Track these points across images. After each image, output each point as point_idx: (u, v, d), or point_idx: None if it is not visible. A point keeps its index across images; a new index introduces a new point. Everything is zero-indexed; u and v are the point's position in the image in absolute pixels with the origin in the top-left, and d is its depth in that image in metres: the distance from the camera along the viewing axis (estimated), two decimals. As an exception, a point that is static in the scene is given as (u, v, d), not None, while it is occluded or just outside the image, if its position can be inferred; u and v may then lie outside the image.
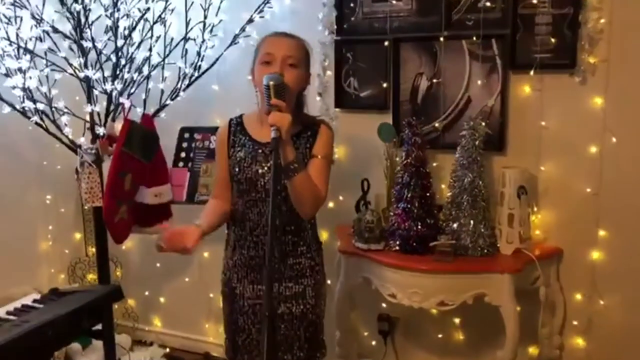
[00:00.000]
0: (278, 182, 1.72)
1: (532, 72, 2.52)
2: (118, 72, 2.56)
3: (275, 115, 1.80)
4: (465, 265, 2.46)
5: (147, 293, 3.63)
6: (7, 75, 2.55)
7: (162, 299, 3.63)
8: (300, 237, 2.08)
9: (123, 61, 2.58)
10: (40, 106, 2.61)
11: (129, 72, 2.74)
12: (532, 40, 2.52)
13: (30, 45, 2.62)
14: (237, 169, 2.03)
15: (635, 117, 2.43)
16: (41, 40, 2.58)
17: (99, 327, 2.15)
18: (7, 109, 2.56)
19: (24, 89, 2.51)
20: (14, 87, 2.57)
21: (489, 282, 2.42)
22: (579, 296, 2.63)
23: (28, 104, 2.56)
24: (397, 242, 2.57)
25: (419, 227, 2.53)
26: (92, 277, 3.54)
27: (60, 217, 3.47)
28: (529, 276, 2.52)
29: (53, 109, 2.62)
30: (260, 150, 2.02)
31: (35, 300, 2.15)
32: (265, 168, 1.99)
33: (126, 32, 2.60)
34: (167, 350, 3.55)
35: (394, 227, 2.59)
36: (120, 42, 2.54)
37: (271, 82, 1.82)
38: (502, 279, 2.40)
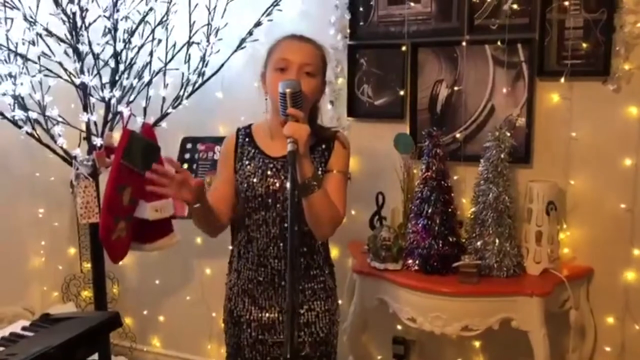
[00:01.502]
0: (295, 201, 1.53)
1: (562, 80, 2.35)
2: (117, 78, 2.38)
3: (293, 126, 1.62)
4: (491, 288, 2.28)
5: (145, 312, 3.43)
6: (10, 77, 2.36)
7: (161, 318, 3.43)
8: (313, 259, 1.90)
9: (122, 67, 2.39)
10: (33, 115, 2.42)
11: (127, 78, 2.57)
12: (562, 46, 2.35)
13: (22, 49, 2.44)
14: (245, 185, 1.84)
15: (673, 128, 2.26)
16: (34, 44, 2.39)
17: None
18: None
19: (14, 96, 2.32)
20: (4, 94, 2.39)
21: (516, 305, 2.25)
22: (611, 320, 2.45)
23: (19, 113, 2.37)
24: (417, 262, 2.39)
25: (441, 245, 2.36)
26: (86, 294, 3.36)
27: (53, 231, 3.28)
28: (558, 298, 2.35)
29: (46, 117, 2.43)
30: (271, 165, 1.83)
31: (24, 328, 1.95)
32: (277, 184, 1.80)
33: (125, 36, 2.41)
34: (166, 371, 3.36)
35: (413, 246, 2.42)
36: (119, 46, 2.35)
37: (288, 90, 1.64)
38: (531, 302, 2.22)
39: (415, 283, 2.32)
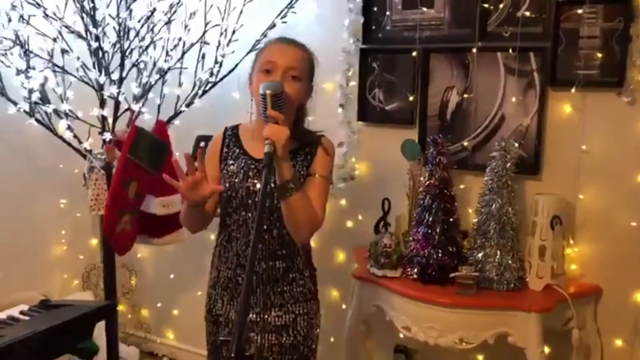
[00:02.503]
0: (265, 202, 1.54)
1: (573, 90, 2.27)
2: (124, 76, 2.45)
3: (272, 128, 1.63)
4: (488, 301, 2.22)
5: (159, 304, 3.51)
6: (21, 72, 2.46)
7: (175, 312, 3.50)
8: (292, 262, 1.88)
9: (131, 63, 2.45)
10: (50, 108, 2.52)
11: (149, 76, 2.64)
12: (576, 55, 2.27)
13: (44, 45, 2.54)
14: (227, 185, 1.85)
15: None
16: (55, 40, 2.48)
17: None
18: (12, 109, 2.47)
19: (30, 90, 2.42)
20: (30, 90, 2.47)
21: (513, 320, 2.18)
22: (619, 342, 2.34)
23: (23, 105, 2.46)
24: (415, 270, 2.36)
25: (440, 254, 2.32)
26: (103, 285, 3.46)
27: (75, 221, 3.39)
28: (561, 316, 2.26)
29: (64, 112, 2.52)
30: (252, 166, 1.84)
31: (22, 312, 2.04)
32: (258, 185, 1.81)
33: (140, 34, 2.48)
34: (178, 364, 3.43)
35: (412, 253, 2.39)
36: (126, 44, 2.42)
37: (268, 91, 1.65)
38: (529, 318, 2.15)
39: (411, 292, 2.28)
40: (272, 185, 1.67)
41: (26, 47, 2.42)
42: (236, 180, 1.84)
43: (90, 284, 3.49)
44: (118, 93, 2.42)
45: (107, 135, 2.48)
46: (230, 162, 1.87)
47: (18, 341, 1.72)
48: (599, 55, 2.24)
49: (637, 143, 2.23)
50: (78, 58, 2.53)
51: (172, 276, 3.43)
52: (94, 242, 3.51)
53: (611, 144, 2.28)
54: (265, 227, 1.79)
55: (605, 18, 2.22)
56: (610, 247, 2.32)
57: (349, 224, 2.82)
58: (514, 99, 2.42)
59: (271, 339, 1.85)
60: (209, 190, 1.71)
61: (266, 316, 1.85)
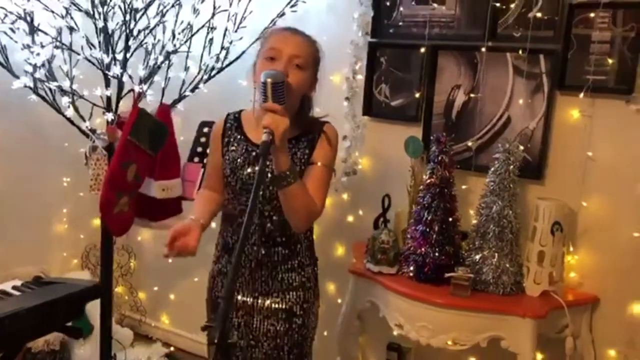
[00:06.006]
0: (259, 189, 1.53)
1: (582, 95, 2.23)
2: (129, 56, 2.43)
3: (270, 117, 1.61)
4: (483, 303, 2.20)
5: (156, 288, 3.51)
6: (26, 47, 2.44)
7: (171, 296, 3.51)
8: (292, 250, 1.88)
9: (135, 44, 2.44)
10: (53, 85, 2.51)
11: (155, 58, 2.62)
12: (586, 60, 2.23)
13: (52, 22, 2.53)
14: (228, 170, 1.85)
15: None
16: (63, 17, 2.47)
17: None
18: (17, 84, 2.46)
19: (34, 65, 2.41)
20: (34, 66, 2.47)
21: (507, 325, 2.16)
22: (612, 352, 2.32)
23: (25, 80, 2.45)
24: (411, 268, 2.34)
25: (437, 254, 2.30)
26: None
27: (78, 201, 3.39)
28: (556, 323, 2.24)
29: (70, 90, 2.50)
30: (253, 153, 1.84)
31: (14, 287, 2.04)
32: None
33: (146, 15, 2.46)
34: (172, 349, 3.43)
35: (409, 251, 2.36)
36: (133, 25, 2.40)
37: (269, 80, 1.64)
38: (523, 324, 2.13)
39: (405, 289, 2.27)
40: (270, 173, 1.67)
41: (31, 22, 2.40)
42: (237, 165, 1.84)
43: (90, 263, 3.49)
44: (122, 74, 2.40)
45: (109, 116, 2.47)
46: (232, 147, 1.88)
47: (6, 316, 1.72)
48: (610, 61, 2.20)
49: (643, 152, 2.19)
50: (85, 37, 2.51)
51: (170, 260, 3.41)
52: (96, 222, 3.50)
53: (618, 152, 2.24)
54: (266, 213, 1.80)
55: (618, 24, 2.18)
56: (611, 257, 2.29)
57: (350, 218, 2.81)
58: (521, 101, 2.38)
59: (267, 325, 1.86)
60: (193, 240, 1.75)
61: (264, 301, 1.86)
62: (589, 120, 2.27)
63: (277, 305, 1.88)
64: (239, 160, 1.84)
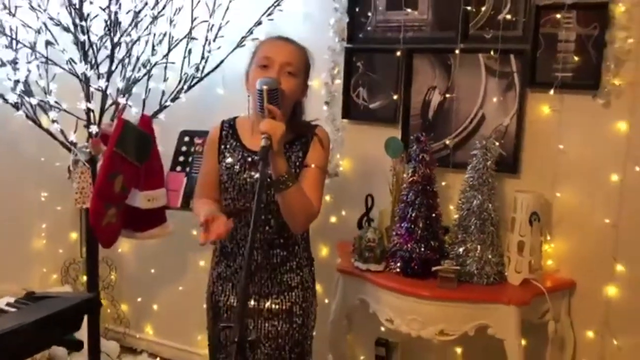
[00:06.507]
0: (262, 194, 1.59)
1: (552, 91, 2.36)
2: (113, 69, 2.45)
3: (268, 123, 1.67)
4: (469, 294, 2.30)
5: (139, 299, 3.51)
6: (2, 65, 2.44)
7: (155, 307, 3.51)
8: (290, 251, 1.94)
9: (119, 57, 2.46)
10: (35, 100, 2.50)
11: (132, 70, 2.64)
12: (554, 58, 2.36)
13: (29, 37, 2.53)
14: (225, 177, 1.90)
15: (661, 145, 2.26)
16: (39, 32, 2.48)
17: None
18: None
19: (16, 81, 2.41)
20: (16, 82, 2.46)
21: (493, 313, 2.26)
22: (590, 334, 2.44)
23: (12, 97, 2.44)
24: (398, 264, 2.42)
25: (422, 249, 2.38)
26: (85, 278, 3.43)
27: (56, 215, 3.37)
28: (538, 309, 2.35)
29: (45, 103, 2.51)
30: (249, 159, 1.89)
31: (8, 304, 2.03)
32: (256, 177, 1.86)
33: (127, 27, 2.49)
34: (158, 359, 3.43)
35: (395, 248, 2.45)
36: (116, 38, 2.42)
37: (265, 87, 1.70)
38: (508, 311, 2.23)
39: (394, 285, 2.35)
40: (269, 178, 1.72)
41: (13, 37, 2.40)
42: (233, 172, 1.89)
43: (69, 278, 3.47)
44: (106, 87, 2.42)
45: (94, 129, 2.48)
46: (228, 154, 1.92)
47: (8, 332, 1.72)
48: (576, 58, 2.33)
49: (611, 143, 2.32)
50: (63, 51, 2.52)
51: (152, 271, 3.44)
52: (74, 236, 3.49)
53: (587, 144, 2.37)
54: (263, 217, 1.85)
55: (582, 23, 2.31)
56: (585, 243, 2.42)
57: (333, 219, 2.87)
58: (494, 100, 2.50)
59: (268, 326, 1.90)
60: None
61: (264, 303, 1.90)
62: (559, 115, 2.40)
63: (277, 306, 1.93)
64: (236, 166, 1.89)
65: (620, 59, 2.25)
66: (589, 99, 2.33)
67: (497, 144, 2.39)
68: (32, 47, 2.49)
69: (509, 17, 2.42)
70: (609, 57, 2.26)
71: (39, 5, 2.50)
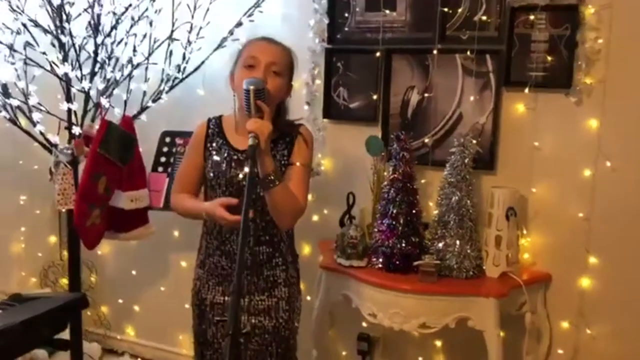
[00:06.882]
0: (252, 192, 1.63)
1: (526, 90, 2.44)
2: (96, 70, 2.46)
3: (256, 123, 1.71)
4: (449, 287, 2.36)
5: (120, 301, 3.50)
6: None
7: (136, 308, 3.50)
8: (276, 248, 1.98)
9: (102, 59, 2.47)
10: (16, 102, 2.49)
11: (112, 71, 2.65)
12: (528, 58, 2.44)
13: (6, 38, 2.51)
14: (212, 174, 1.93)
15: (630, 141, 2.35)
16: (19, 33, 2.47)
17: (65, 335, 2.05)
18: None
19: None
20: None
21: (473, 305, 2.33)
22: (565, 324, 2.53)
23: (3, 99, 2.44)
24: (380, 260, 2.47)
25: (403, 244, 2.44)
26: (65, 281, 3.42)
27: (35, 218, 3.35)
28: (515, 301, 2.42)
29: (27, 104, 2.50)
30: (235, 157, 1.92)
31: (-6, 306, 2.03)
32: (241, 175, 1.89)
33: (107, 29, 2.49)
34: (139, 360, 3.43)
35: (377, 244, 2.50)
36: (100, 39, 2.43)
37: (251, 87, 1.74)
38: (487, 303, 2.30)
39: (377, 280, 2.40)
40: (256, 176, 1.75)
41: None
42: (220, 170, 1.92)
43: (48, 281, 3.45)
44: (90, 88, 2.42)
45: (77, 130, 2.48)
46: (214, 152, 1.95)
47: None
48: (549, 58, 2.41)
49: (583, 140, 2.41)
50: (44, 53, 2.52)
51: (134, 272, 3.43)
52: (53, 239, 3.47)
53: (560, 141, 2.46)
54: (250, 214, 1.88)
55: (554, 24, 2.40)
56: (559, 236, 2.50)
57: (315, 217, 2.91)
58: (471, 99, 2.57)
59: (255, 322, 1.93)
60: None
61: (251, 300, 1.93)
62: (534, 113, 2.48)
63: (264, 303, 1.96)
64: (223, 164, 1.92)
65: (590, 59, 2.34)
66: (561, 97, 2.42)
67: (474, 141, 2.46)
68: (11, 47, 2.47)
69: (484, 18, 2.49)
70: (580, 56, 2.35)
71: (17, 7, 2.49)
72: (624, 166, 2.36)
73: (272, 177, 1.75)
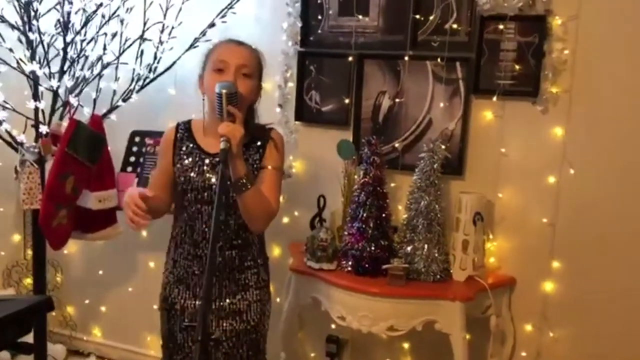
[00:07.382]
0: (223, 195, 1.63)
1: (494, 98, 2.48)
2: (66, 69, 2.42)
3: (227, 127, 1.71)
4: (417, 291, 2.39)
5: (87, 301, 3.46)
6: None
7: (103, 308, 3.46)
8: (247, 251, 1.99)
9: (71, 57, 2.43)
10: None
11: (82, 69, 2.61)
12: (497, 66, 2.49)
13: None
14: (182, 179, 1.92)
15: (593, 149, 2.41)
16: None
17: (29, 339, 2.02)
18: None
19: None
20: None
21: (440, 308, 2.36)
22: (529, 327, 2.59)
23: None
24: (350, 263, 2.49)
25: (373, 248, 2.47)
26: (29, 281, 3.36)
27: (-2, 217, 3.28)
28: (481, 304, 2.47)
29: (1, 103, 2.45)
30: (207, 161, 1.92)
31: (-44, 308, 1.98)
32: (213, 179, 1.89)
33: (77, 27, 2.46)
34: (105, 361, 3.39)
35: (347, 247, 2.52)
36: (69, 37, 2.39)
37: (224, 91, 1.74)
38: (454, 307, 2.34)
39: (346, 283, 2.42)
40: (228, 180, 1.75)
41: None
42: (191, 174, 1.91)
43: (12, 281, 3.38)
44: (58, 86, 2.39)
45: (44, 129, 2.44)
46: (184, 156, 1.94)
47: (-39, 335, 1.69)
48: (517, 67, 2.46)
49: (548, 147, 2.47)
50: (11, 50, 2.47)
51: (101, 272, 3.39)
52: (17, 238, 3.40)
53: (527, 148, 2.51)
54: (221, 217, 1.87)
55: (523, 33, 2.45)
56: (524, 241, 2.56)
57: (285, 219, 2.92)
58: (441, 105, 2.61)
59: (226, 325, 1.93)
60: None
61: (222, 303, 1.93)
62: (501, 120, 2.53)
63: (234, 306, 1.96)
64: (193, 169, 1.91)
65: (557, 69, 2.40)
66: (528, 105, 2.48)
67: (443, 147, 2.49)
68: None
69: (455, 26, 2.53)
70: (547, 66, 2.41)
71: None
72: (588, 173, 2.43)
73: (244, 181, 1.75)
